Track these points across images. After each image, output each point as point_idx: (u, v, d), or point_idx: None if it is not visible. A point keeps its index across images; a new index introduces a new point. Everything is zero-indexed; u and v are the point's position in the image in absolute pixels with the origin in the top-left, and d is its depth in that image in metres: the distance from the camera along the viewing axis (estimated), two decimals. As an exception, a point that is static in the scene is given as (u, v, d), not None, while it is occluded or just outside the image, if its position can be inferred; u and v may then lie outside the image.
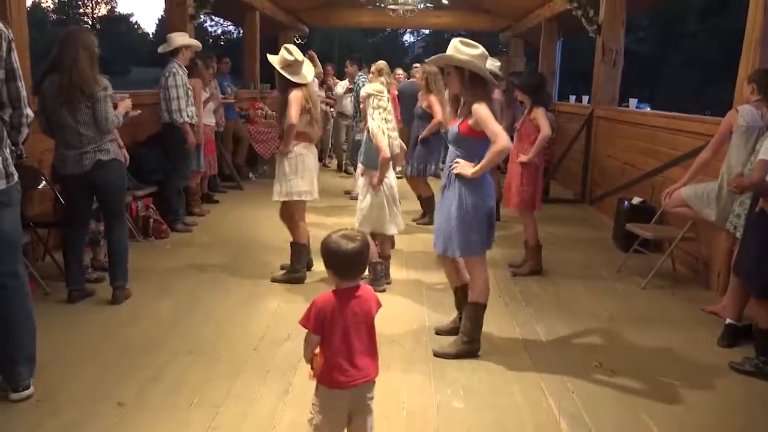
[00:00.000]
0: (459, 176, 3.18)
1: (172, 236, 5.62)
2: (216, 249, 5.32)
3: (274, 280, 4.47)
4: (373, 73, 6.26)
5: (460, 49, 3.14)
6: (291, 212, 4.45)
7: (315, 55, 7.37)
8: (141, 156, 5.59)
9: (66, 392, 2.84)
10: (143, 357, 3.22)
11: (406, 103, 7.44)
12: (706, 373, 3.27)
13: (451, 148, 3.31)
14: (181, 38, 5.82)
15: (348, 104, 9.10)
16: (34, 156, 4.37)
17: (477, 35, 13.56)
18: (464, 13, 13.70)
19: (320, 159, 7.28)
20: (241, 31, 11.83)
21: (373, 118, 4.19)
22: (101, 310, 3.86)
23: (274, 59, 4.27)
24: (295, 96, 4.16)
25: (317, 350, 2.07)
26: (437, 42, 36.72)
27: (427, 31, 43.87)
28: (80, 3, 53.23)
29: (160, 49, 5.85)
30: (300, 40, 12.91)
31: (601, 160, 7.57)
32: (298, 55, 4.23)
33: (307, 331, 2.05)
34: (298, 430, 2.56)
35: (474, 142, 3.17)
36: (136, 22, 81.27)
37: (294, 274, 4.46)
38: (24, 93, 2.78)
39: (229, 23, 35.06)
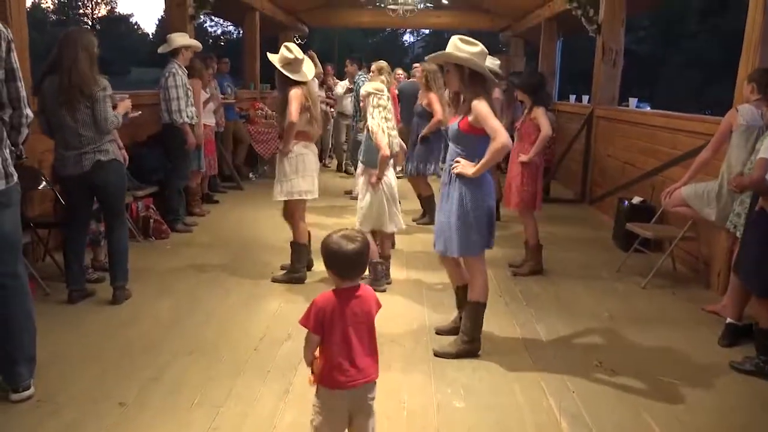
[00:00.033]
0: (459, 176, 3.18)
1: (173, 236, 5.63)
2: (216, 249, 5.32)
3: (274, 280, 4.47)
4: (373, 72, 6.27)
5: (459, 46, 3.13)
6: (291, 211, 4.45)
7: (315, 55, 7.36)
8: (141, 156, 5.60)
9: (66, 392, 2.84)
10: (144, 357, 3.22)
11: (406, 102, 7.42)
12: (706, 373, 3.27)
13: (451, 145, 3.30)
14: (181, 39, 5.82)
15: (348, 104, 9.09)
16: (34, 156, 4.38)
17: (477, 35, 13.44)
18: (464, 13, 13.71)
19: (320, 159, 7.27)
20: (241, 32, 11.84)
21: (373, 117, 4.19)
22: (101, 310, 3.86)
23: (274, 57, 4.28)
24: (295, 94, 4.16)
25: (317, 353, 2.07)
26: (437, 42, 36.66)
27: (427, 31, 43.94)
28: (80, 3, 53.26)
29: (160, 50, 5.85)
30: (300, 41, 12.87)
31: (601, 159, 7.57)
32: (298, 53, 4.23)
33: (307, 331, 2.05)
34: (298, 431, 2.56)
35: (474, 140, 3.17)
36: (136, 23, 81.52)
37: (294, 274, 4.46)
38: (24, 93, 2.78)
39: (229, 23, 35.15)
